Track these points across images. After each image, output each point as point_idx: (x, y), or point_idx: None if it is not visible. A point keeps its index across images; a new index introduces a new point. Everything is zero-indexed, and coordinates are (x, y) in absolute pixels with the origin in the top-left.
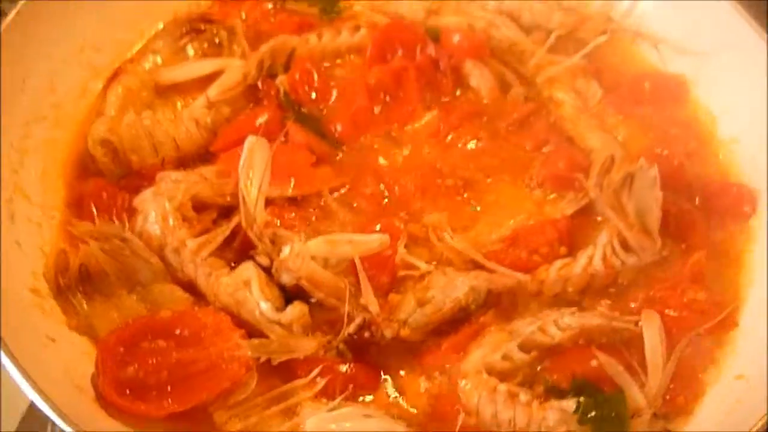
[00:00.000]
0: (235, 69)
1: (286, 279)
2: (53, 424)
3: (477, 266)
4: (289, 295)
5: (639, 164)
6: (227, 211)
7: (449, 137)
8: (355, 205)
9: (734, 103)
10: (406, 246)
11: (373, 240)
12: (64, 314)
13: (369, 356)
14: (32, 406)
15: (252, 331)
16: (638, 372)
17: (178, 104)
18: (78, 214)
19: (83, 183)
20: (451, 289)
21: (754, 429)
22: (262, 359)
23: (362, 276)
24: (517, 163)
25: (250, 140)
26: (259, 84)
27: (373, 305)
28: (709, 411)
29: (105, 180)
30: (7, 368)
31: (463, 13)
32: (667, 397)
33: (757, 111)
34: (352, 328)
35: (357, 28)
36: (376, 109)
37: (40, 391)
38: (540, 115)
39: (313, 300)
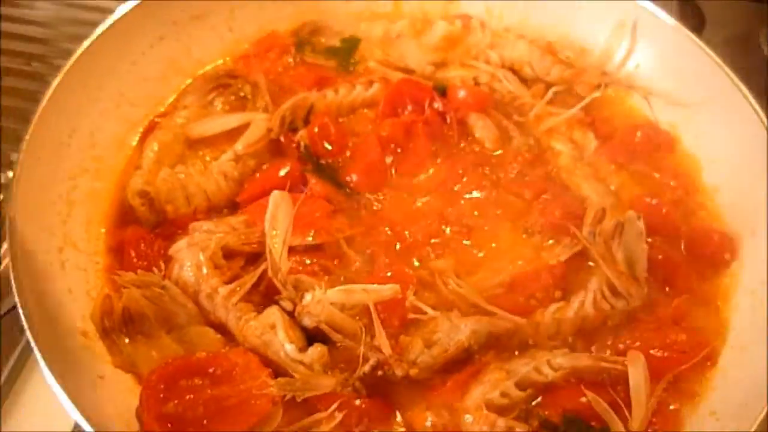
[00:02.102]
0: (259, 123)
1: (308, 322)
2: None
3: (479, 310)
4: (310, 336)
5: (628, 215)
6: (254, 258)
7: (456, 187)
8: (368, 251)
9: (717, 153)
10: (415, 291)
11: (386, 289)
12: (110, 354)
13: (381, 392)
14: None
15: (277, 369)
16: (623, 408)
17: (207, 156)
18: (118, 259)
19: (122, 231)
20: (455, 332)
21: None
22: (288, 396)
23: (376, 320)
24: (517, 211)
25: (275, 195)
26: (281, 138)
27: (386, 347)
28: None
29: (142, 228)
30: (65, 406)
31: (468, 66)
32: (649, 431)
33: (737, 161)
34: (367, 368)
35: (370, 83)
36: (388, 160)
37: (96, 425)
38: (539, 165)
39: (331, 341)
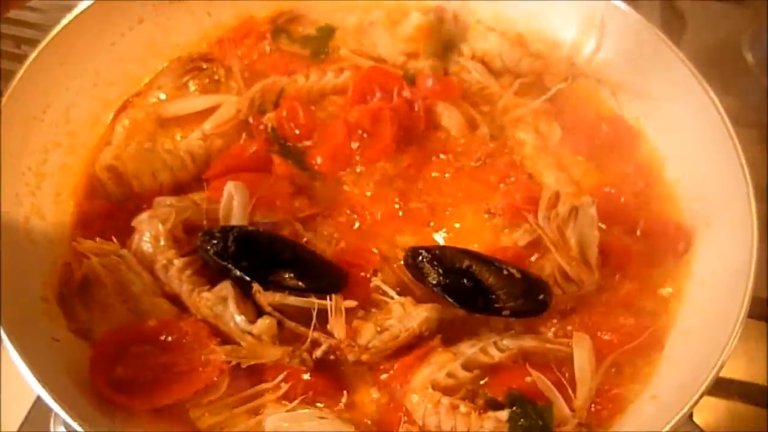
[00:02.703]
0: (229, 105)
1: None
2: (55, 422)
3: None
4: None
5: (582, 201)
6: None
7: (420, 172)
8: (328, 232)
9: (679, 147)
10: (377, 271)
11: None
12: (66, 319)
13: (329, 370)
14: (35, 405)
15: (227, 340)
16: (567, 387)
17: (177, 135)
18: (85, 231)
19: (91, 204)
20: (408, 319)
21: None
22: (233, 363)
23: (337, 305)
24: (480, 194)
25: (229, 186)
26: (250, 119)
27: (340, 332)
28: (625, 426)
29: (109, 202)
30: (16, 364)
31: (438, 57)
32: (593, 409)
33: (697, 155)
34: (319, 353)
35: (341, 71)
36: (354, 145)
37: (45, 384)
38: (503, 154)
39: None
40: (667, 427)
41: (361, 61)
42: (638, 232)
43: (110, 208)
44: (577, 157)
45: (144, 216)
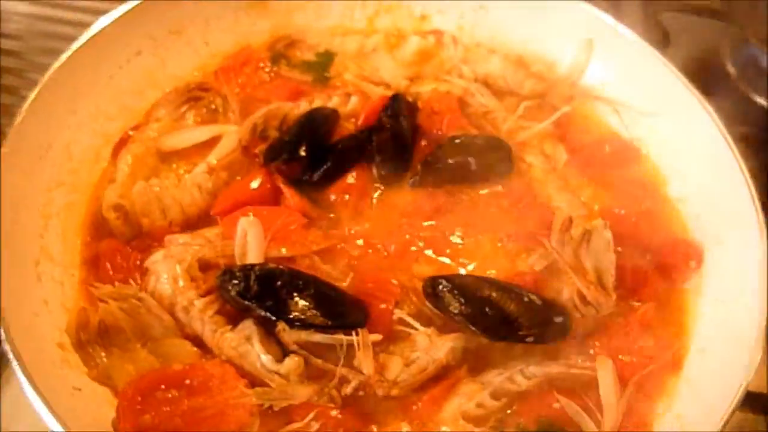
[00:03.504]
0: (231, 135)
1: (286, 339)
2: None
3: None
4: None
5: (595, 224)
6: None
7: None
8: (341, 266)
9: (682, 165)
10: (397, 303)
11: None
12: (85, 366)
13: (357, 405)
14: None
15: (253, 380)
16: (594, 411)
17: (180, 169)
18: (94, 271)
19: (98, 243)
20: (434, 350)
21: None
22: (265, 406)
23: (364, 341)
24: (493, 221)
25: (243, 222)
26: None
27: (368, 368)
28: None
29: (117, 240)
30: (43, 417)
31: (441, 80)
32: None
33: (701, 173)
34: (349, 390)
35: (348, 96)
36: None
37: None
38: (514, 177)
39: None
40: None
41: (367, 87)
42: (649, 253)
43: (118, 247)
44: (583, 178)
45: (159, 256)
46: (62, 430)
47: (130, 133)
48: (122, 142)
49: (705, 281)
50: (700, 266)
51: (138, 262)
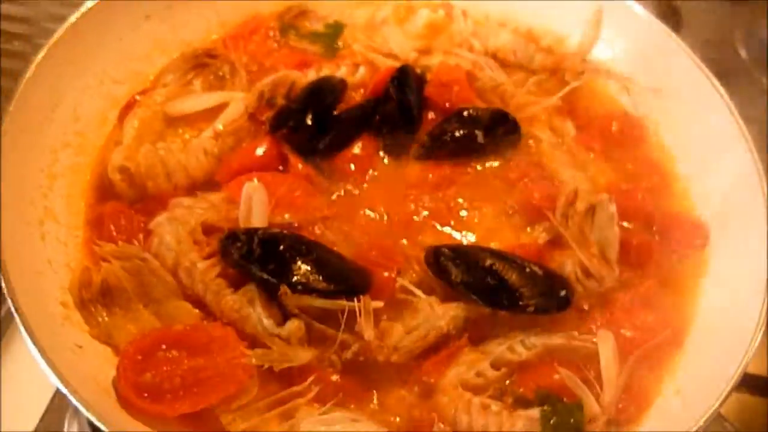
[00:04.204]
0: (237, 102)
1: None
2: (69, 423)
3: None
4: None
5: (599, 198)
6: None
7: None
8: (344, 234)
9: (690, 143)
10: (399, 271)
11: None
12: (87, 325)
13: (358, 371)
14: (50, 406)
15: (254, 343)
16: (594, 384)
17: (186, 134)
18: (98, 233)
19: (102, 205)
20: (435, 318)
21: None
22: (265, 367)
23: (366, 306)
24: (499, 193)
25: (248, 187)
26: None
27: (369, 333)
28: (652, 421)
29: (122, 203)
30: (45, 372)
31: (451, 53)
32: (620, 406)
33: (708, 152)
34: (349, 355)
35: (356, 66)
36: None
37: (74, 392)
38: (521, 151)
39: None
40: (699, 425)
41: (376, 58)
42: (655, 229)
43: (123, 209)
44: (590, 154)
45: (162, 218)
46: (62, 384)
47: (137, 97)
48: (129, 106)
49: (709, 260)
50: (705, 245)
51: (142, 225)
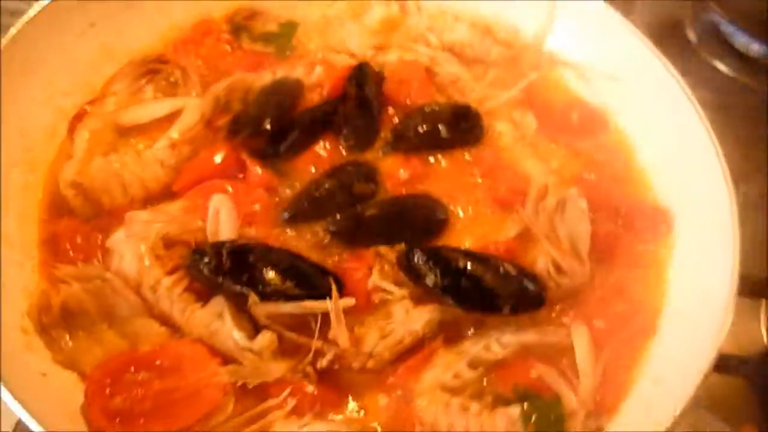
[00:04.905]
0: (192, 109)
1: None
2: None
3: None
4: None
5: (569, 193)
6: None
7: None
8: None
9: (651, 131)
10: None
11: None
12: (49, 350)
13: (332, 378)
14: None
15: (225, 359)
16: (571, 378)
17: (139, 144)
18: (54, 254)
19: (56, 223)
20: (411, 322)
21: (667, 427)
22: (239, 383)
23: (337, 312)
24: (466, 189)
25: (215, 199)
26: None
27: (343, 340)
28: (630, 411)
29: (77, 219)
30: (9, 404)
31: (408, 49)
32: (598, 398)
33: (669, 139)
34: (324, 363)
35: (312, 66)
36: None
37: (41, 421)
38: (485, 145)
39: None
40: (677, 410)
41: (333, 57)
42: (619, 218)
43: (78, 227)
44: (552, 145)
45: (121, 235)
46: (29, 417)
47: (87, 108)
48: (78, 118)
49: (676, 246)
50: (670, 231)
51: (99, 242)
